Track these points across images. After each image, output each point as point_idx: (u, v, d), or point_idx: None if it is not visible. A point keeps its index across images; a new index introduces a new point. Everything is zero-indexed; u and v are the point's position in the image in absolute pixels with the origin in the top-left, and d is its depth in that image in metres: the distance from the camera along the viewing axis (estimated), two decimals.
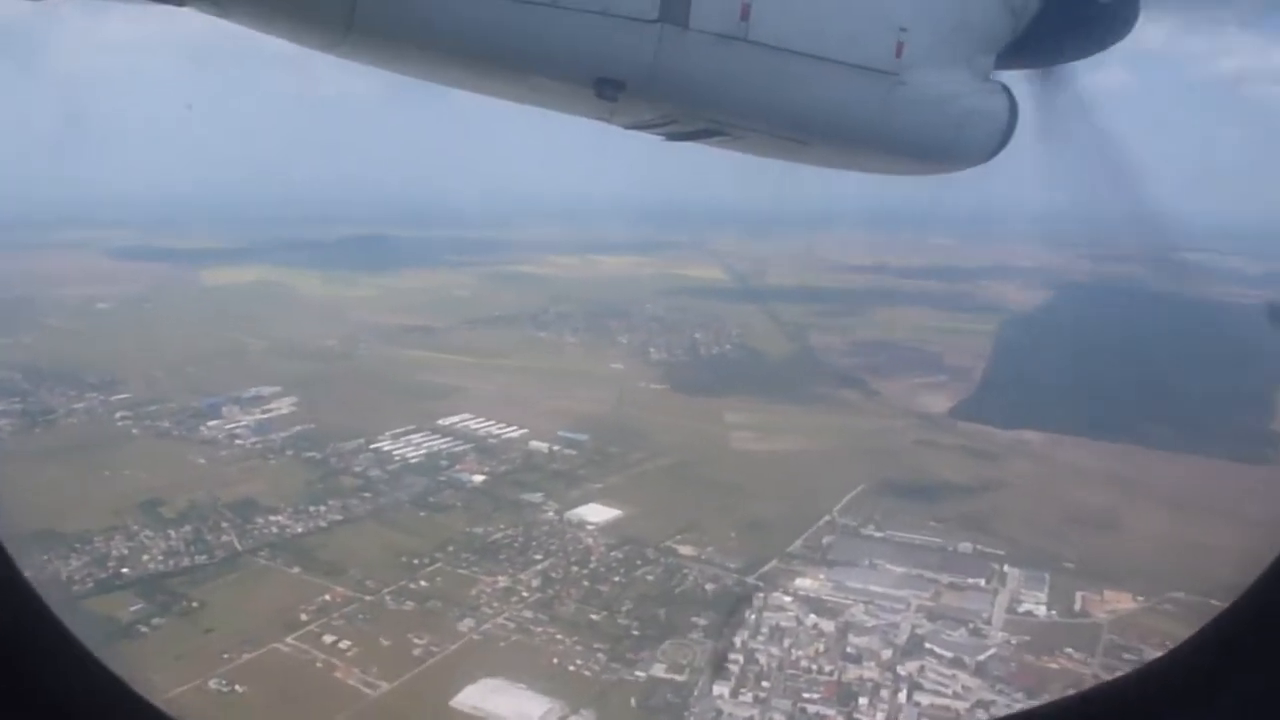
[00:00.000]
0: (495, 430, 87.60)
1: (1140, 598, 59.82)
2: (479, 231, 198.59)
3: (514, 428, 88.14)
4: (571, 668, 51.33)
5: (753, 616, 56.11)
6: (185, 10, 6.53)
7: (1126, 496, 76.43)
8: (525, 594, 58.70)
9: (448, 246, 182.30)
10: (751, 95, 7.79)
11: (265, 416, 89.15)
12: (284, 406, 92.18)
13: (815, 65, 7.73)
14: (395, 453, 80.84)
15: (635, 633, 54.67)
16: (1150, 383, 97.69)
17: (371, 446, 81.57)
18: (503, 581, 59.98)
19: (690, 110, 7.95)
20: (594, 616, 56.31)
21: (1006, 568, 63.00)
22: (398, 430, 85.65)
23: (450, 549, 64.12)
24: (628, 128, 8.28)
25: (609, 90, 7.16)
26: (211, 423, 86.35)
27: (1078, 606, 58.70)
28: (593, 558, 63.29)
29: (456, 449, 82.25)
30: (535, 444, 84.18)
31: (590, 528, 67.61)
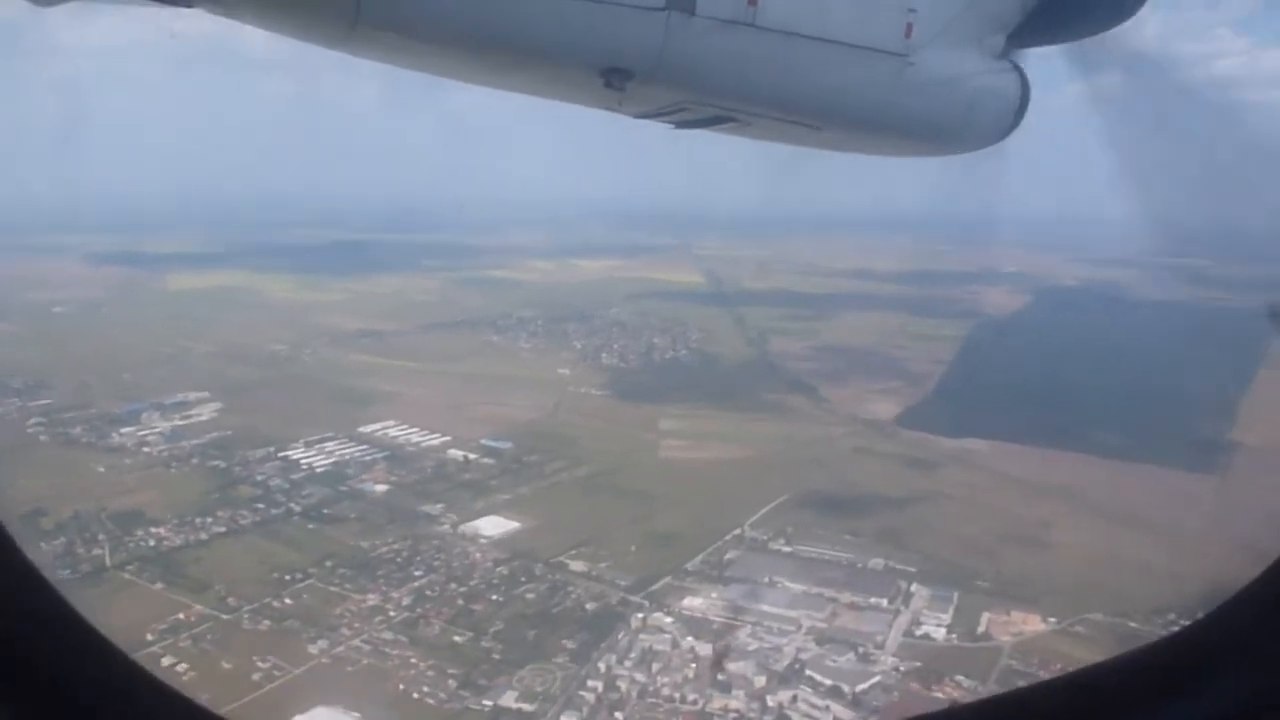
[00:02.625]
0: (416, 438, 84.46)
1: (1052, 619, 55.90)
2: (469, 237, 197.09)
3: (437, 435, 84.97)
4: (416, 695, 47.90)
5: (625, 639, 52.49)
6: (193, 11, 6.49)
7: (1065, 509, 72.54)
8: (392, 613, 55.41)
9: (429, 251, 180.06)
10: (760, 80, 7.67)
11: (183, 423, 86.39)
12: (206, 413, 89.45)
13: (824, 48, 7.57)
14: (304, 461, 77.79)
15: (496, 657, 51.20)
16: (1115, 389, 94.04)
17: (280, 455, 78.53)
18: (372, 600, 56.73)
19: (699, 97, 7.78)
20: (457, 638, 52.89)
21: (914, 586, 59.11)
22: (313, 438, 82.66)
23: (328, 564, 60.94)
24: (637, 117, 8.12)
25: (617, 79, 7.04)
26: (125, 429, 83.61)
27: (981, 629, 54.72)
28: (475, 574, 59.93)
29: (368, 457, 79.13)
30: (453, 452, 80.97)
31: (483, 541, 64.29)
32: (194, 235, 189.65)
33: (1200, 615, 3.32)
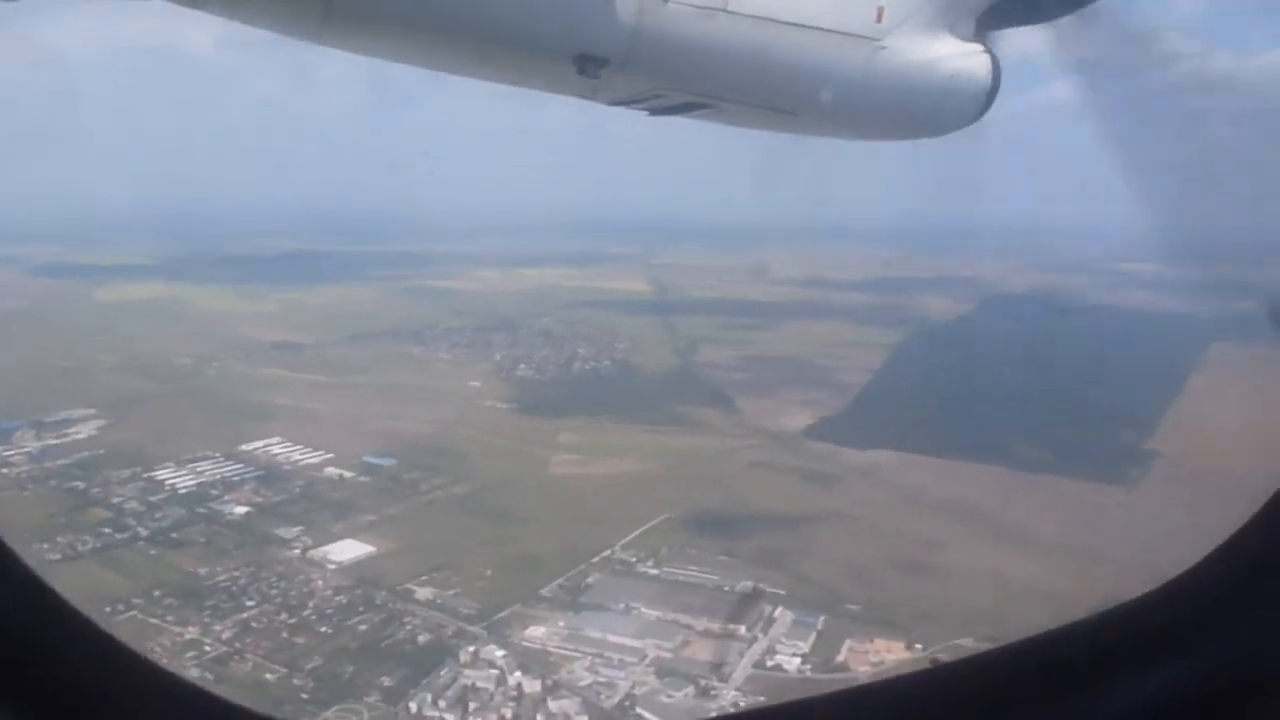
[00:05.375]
0: (297, 456, 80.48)
1: (918, 646, 52.19)
2: (426, 244, 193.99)
3: (319, 452, 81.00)
4: None
5: (448, 674, 48.59)
6: (167, 4, 6.30)
7: (961, 526, 69.04)
8: (208, 647, 51.44)
9: (380, 261, 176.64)
10: (734, 66, 7.64)
11: (56, 442, 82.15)
12: (85, 431, 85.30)
13: (797, 33, 7.59)
14: (170, 482, 73.69)
15: (304, 696, 47.26)
16: (1039, 398, 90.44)
17: (146, 475, 74.50)
18: (191, 633, 52.77)
19: (673, 84, 7.79)
20: (269, 675, 48.91)
21: (778, 611, 55.32)
22: (186, 456, 78.66)
23: (157, 593, 56.90)
24: (612, 104, 8.12)
25: (591, 67, 6.99)
26: None
27: (840, 658, 51.04)
28: (311, 603, 55.99)
29: (239, 477, 75.03)
30: (330, 470, 77.11)
31: (330, 568, 60.37)
32: (141, 246, 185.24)
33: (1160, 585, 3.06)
